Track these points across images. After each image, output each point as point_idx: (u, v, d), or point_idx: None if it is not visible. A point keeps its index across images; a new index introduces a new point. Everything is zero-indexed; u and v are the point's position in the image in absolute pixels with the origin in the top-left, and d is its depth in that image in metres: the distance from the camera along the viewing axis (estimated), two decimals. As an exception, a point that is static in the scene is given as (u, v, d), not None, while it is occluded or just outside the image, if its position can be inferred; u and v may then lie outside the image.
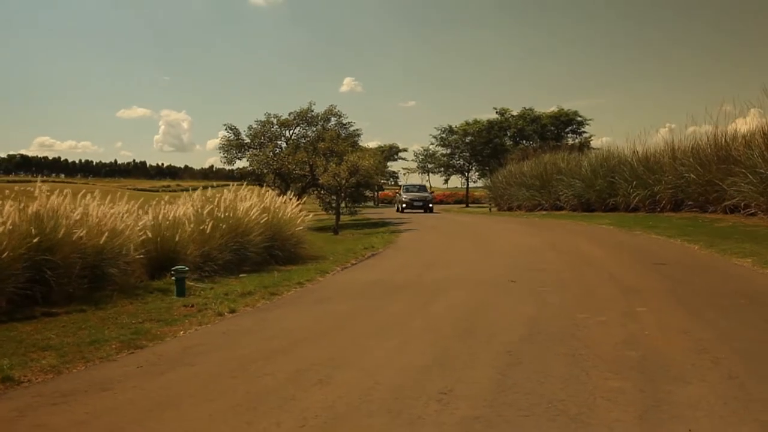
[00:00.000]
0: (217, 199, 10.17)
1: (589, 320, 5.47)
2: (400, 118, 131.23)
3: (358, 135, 26.40)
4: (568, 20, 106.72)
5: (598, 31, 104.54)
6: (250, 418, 3.23)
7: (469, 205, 48.80)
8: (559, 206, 26.78)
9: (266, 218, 10.44)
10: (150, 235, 8.77)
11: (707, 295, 6.58)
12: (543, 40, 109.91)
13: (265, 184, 20.67)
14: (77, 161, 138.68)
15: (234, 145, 23.90)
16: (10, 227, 6.79)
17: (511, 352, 4.54)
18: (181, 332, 5.76)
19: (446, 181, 52.76)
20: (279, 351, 4.92)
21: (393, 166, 63.59)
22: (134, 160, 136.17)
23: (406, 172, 59.39)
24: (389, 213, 33.62)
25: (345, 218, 31.78)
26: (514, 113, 46.76)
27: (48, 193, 7.65)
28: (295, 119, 24.48)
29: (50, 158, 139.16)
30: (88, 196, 8.27)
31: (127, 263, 8.23)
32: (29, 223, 7.18)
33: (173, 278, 7.83)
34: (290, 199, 12.27)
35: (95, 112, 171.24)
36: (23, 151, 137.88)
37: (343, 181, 19.71)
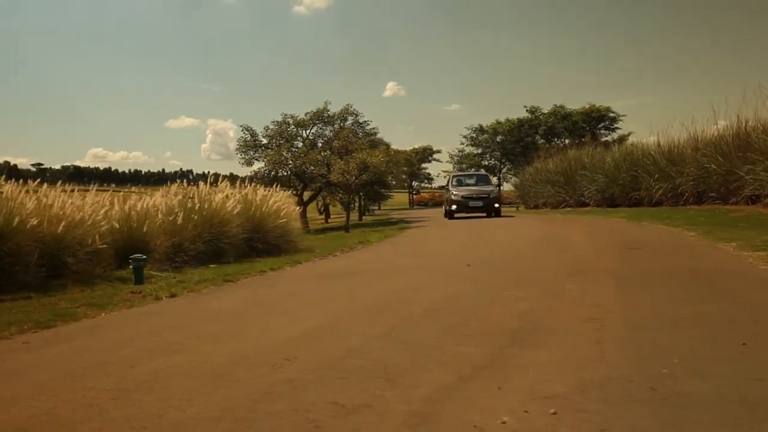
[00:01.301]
0: (191, 191, 10.18)
1: (506, 296, 5.24)
2: (443, 121, 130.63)
3: (375, 133, 26.29)
4: (617, 18, 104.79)
5: (641, 28, 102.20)
6: (90, 400, 3.13)
7: (501, 204, 48.23)
8: (584, 202, 26.22)
9: (240, 209, 10.38)
10: (117, 225, 8.81)
11: (654, 275, 6.25)
12: (589, 38, 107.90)
13: (272, 184, 20.84)
14: (127, 171, 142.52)
15: (251, 146, 24.07)
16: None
17: (396, 326, 4.36)
18: (103, 314, 5.71)
19: (477, 181, 52.27)
20: (172, 328, 4.83)
21: (428, 167, 63.33)
22: (181, 169, 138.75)
23: (445, 175, 58.71)
24: (421, 214, 33.35)
25: (367, 218, 31.79)
26: (545, 111, 46.00)
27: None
28: (311, 119, 24.53)
29: (101, 168, 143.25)
30: (52, 191, 8.37)
31: (90, 253, 8.28)
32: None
33: (131, 266, 7.85)
34: (275, 193, 12.22)
35: (145, 122, 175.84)
36: (77, 162, 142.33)
37: (353, 178, 19.63)
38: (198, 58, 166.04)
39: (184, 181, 10.85)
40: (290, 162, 23.02)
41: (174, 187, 10.42)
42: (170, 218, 9.34)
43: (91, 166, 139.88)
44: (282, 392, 2.89)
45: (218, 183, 11.20)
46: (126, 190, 16.70)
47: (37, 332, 4.99)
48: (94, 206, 8.60)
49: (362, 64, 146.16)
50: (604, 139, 40.51)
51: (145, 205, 9.29)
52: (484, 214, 20.72)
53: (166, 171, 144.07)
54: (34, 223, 7.56)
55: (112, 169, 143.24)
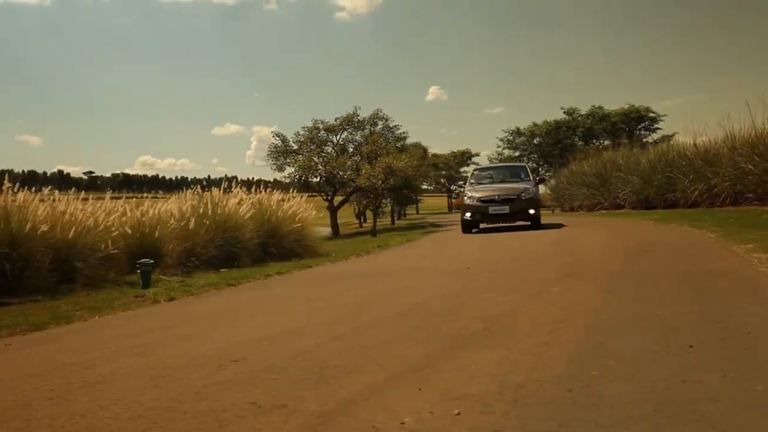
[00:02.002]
0: (205, 197, 10.38)
1: (486, 299, 5.21)
2: (486, 124, 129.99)
3: (405, 138, 26.29)
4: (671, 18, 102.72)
5: (687, 28, 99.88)
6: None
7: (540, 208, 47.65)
8: (619, 204, 25.78)
9: (253, 213, 10.53)
10: (129, 231, 9.05)
11: (649, 277, 6.12)
12: (638, 38, 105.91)
13: (304, 190, 21.14)
14: (174, 178, 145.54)
15: (282, 152, 24.32)
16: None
17: (362, 327, 4.40)
18: (96, 317, 5.88)
19: (515, 184, 51.74)
20: (151, 330, 4.96)
21: (468, 171, 63.02)
22: (226, 175, 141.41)
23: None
24: (455, 218, 33.16)
25: (400, 222, 31.82)
26: (583, 112, 45.31)
27: (10, 189, 8.02)
28: (341, 124, 24.67)
29: (149, 176, 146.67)
30: (65, 197, 8.64)
31: (102, 258, 8.52)
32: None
33: (138, 271, 8.06)
34: (292, 198, 12.34)
35: (192, 130, 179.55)
36: (127, 170, 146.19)
37: (380, 182, 19.66)
38: (243, 67, 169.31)
39: (198, 186, 11.04)
40: (320, 167, 23.19)
41: (188, 193, 10.62)
42: (182, 223, 9.53)
43: (140, 173, 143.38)
44: (211, 392, 2.95)
45: (232, 188, 11.37)
46: (150, 195, 17.06)
47: (27, 334, 5.16)
48: (106, 212, 8.84)
49: (405, 69, 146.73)
50: (645, 140, 39.67)
51: (157, 211, 9.50)
52: (515, 223, 14.81)
53: (212, 177, 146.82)
54: (45, 229, 7.81)
55: (160, 176, 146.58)
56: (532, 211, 14.51)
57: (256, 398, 2.80)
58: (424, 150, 50.26)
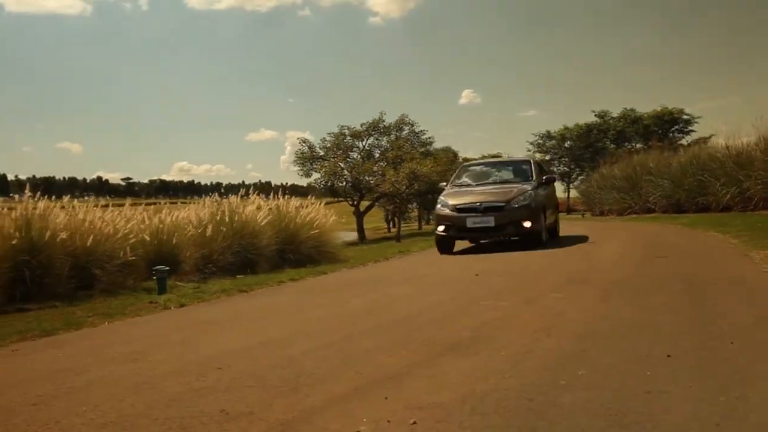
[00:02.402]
0: (222, 204, 10.54)
1: (483, 306, 5.22)
2: (520, 127, 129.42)
3: (431, 143, 26.32)
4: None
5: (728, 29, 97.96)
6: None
7: (570, 212, 47.15)
8: (650, 208, 25.44)
9: (270, 220, 10.66)
10: (147, 238, 9.24)
11: (654, 283, 6.05)
12: (675, 39, 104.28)
13: (330, 195, 21.33)
14: (209, 183, 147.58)
15: (308, 158, 24.54)
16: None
17: (351, 335, 4.45)
18: (106, 323, 6.03)
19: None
20: (151, 336, 5.08)
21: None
22: (260, 181, 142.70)
23: None
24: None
25: (428, 227, 31.78)
26: (614, 115, 44.70)
27: (32, 199, 8.26)
28: (367, 130, 24.80)
29: (185, 182, 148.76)
30: (83, 205, 8.87)
31: (120, 264, 8.71)
32: (15, 227, 7.81)
33: (154, 277, 8.22)
34: (310, 204, 12.45)
35: (227, 136, 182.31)
36: (164, 176, 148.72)
37: (403, 187, 19.68)
38: (277, 73, 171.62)
39: (216, 193, 11.22)
40: (346, 173, 23.35)
41: (206, 200, 10.80)
42: (199, 230, 9.69)
43: (176, 179, 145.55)
44: (184, 400, 3.02)
45: (249, 195, 11.52)
46: (180, 201, 17.31)
47: (36, 340, 5.32)
48: (125, 220, 9.04)
49: (438, 73, 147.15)
50: (679, 142, 38.97)
51: (175, 218, 9.68)
52: (506, 238, 11.35)
53: (246, 182, 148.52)
54: (65, 236, 8.02)
55: (195, 182, 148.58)
56: (527, 224, 10.56)
57: (227, 406, 2.87)
58: (455, 154, 50.23)
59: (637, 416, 2.43)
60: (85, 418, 2.83)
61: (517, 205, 10.62)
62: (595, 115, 45.51)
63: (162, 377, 3.51)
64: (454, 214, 10.89)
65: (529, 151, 49.12)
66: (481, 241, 12.08)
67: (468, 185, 12.15)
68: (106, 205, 9.58)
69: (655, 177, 24.97)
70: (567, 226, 19.13)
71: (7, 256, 7.65)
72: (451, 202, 11.14)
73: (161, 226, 9.41)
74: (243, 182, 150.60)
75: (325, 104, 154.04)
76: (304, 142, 24.89)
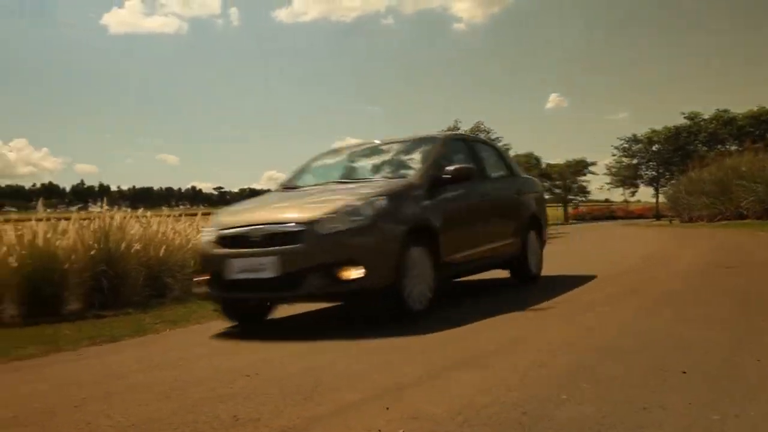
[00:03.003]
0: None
1: (520, 317, 5.21)
2: (610, 131, 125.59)
3: (507, 150, 26.02)
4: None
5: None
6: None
7: (660, 218, 45.38)
8: (742, 214, 24.27)
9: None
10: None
11: (710, 295, 5.86)
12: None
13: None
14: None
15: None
16: (71, 242, 8.02)
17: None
18: (167, 330, 6.40)
19: (633, 193, 49.46)
20: (198, 344, 5.36)
21: (591, 180, 61.07)
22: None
23: (608, 186, 55.09)
24: (567, 229, 32.37)
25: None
26: (706, 116, 42.75)
27: (109, 211, 8.83)
28: (442, 138, 24.89)
29: (273, 190, 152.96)
30: (156, 218, 9.40)
31: (190, 273, 9.16)
32: (95, 238, 8.38)
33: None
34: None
35: (314, 145, 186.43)
36: (254, 185, 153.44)
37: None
38: (361, 82, 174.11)
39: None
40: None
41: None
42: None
43: (266, 187, 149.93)
44: (205, 405, 3.23)
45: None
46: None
47: (102, 345, 5.71)
48: (196, 231, 9.50)
49: (522, 78, 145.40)
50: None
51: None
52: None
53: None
54: (138, 247, 8.54)
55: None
56: (352, 273, 4.87)
57: (240, 412, 3.05)
58: (537, 160, 49.49)
59: (625, 431, 2.44)
60: (113, 421, 3.08)
61: (331, 230, 4.87)
62: (685, 117, 43.71)
63: (194, 384, 3.75)
64: (215, 249, 5.47)
65: (613, 156, 47.51)
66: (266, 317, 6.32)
67: (299, 188, 6.48)
68: (180, 215, 10.08)
69: (747, 181, 23.82)
70: (640, 234, 18.51)
71: (87, 266, 8.20)
72: (224, 220, 5.65)
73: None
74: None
75: (408, 112, 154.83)
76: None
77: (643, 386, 3.02)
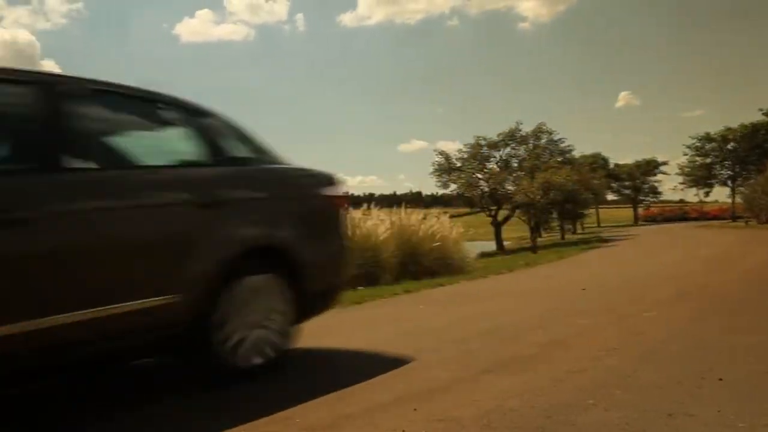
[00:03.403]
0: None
1: (567, 322, 5.19)
2: (685, 129, 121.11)
3: (569, 151, 25.63)
4: None
5: None
6: None
7: (736, 219, 43.54)
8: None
9: (390, 234, 11.02)
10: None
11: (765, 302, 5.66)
12: None
13: (467, 206, 21.56)
14: (362, 194, 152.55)
15: (445, 170, 24.81)
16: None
17: (423, 349, 4.62)
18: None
19: (707, 194, 47.62)
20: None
21: (662, 180, 59.27)
22: (411, 190, 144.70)
23: (681, 186, 53.02)
24: (636, 231, 31.58)
25: (572, 236, 30.93)
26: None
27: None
28: (503, 140, 24.68)
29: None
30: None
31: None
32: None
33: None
34: (433, 216, 12.69)
35: (380, 148, 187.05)
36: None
37: (538, 197, 19.38)
38: (426, 84, 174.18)
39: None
40: (482, 183, 23.41)
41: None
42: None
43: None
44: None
45: (369, 209, 11.98)
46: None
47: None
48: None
49: (591, 76, 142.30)
50: None
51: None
52: None
53: (398, 193, 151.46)
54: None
55: (349, 193, 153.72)
56: None
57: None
58: (604, 160, 48.43)
59: (645, 439, 2.43)
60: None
61: None
62: (763, 114, 41.78)
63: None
64: None
65: (685, 155, 45.84)
66: None
67: None
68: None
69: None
70: (708, 236, 17.86)
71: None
72: None
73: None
74: (394, 193, 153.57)
75: (473, 113, 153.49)
76: (441, 153, 25.15)
77: (677, 393, 2.98)
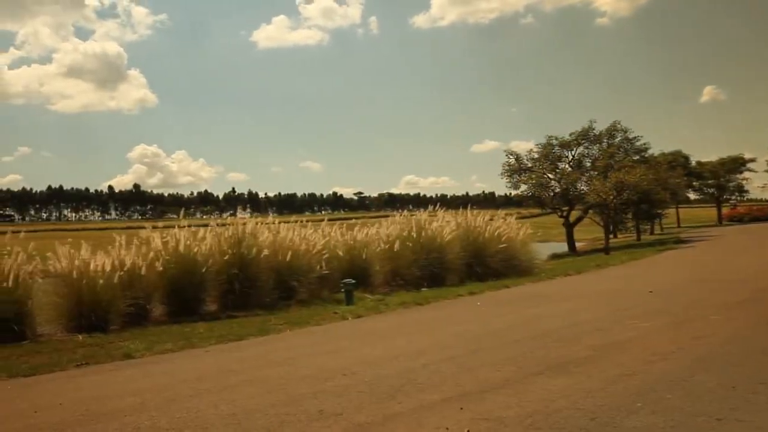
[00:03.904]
0: (410, 221, 11.14)
1: (628, 325, 5.11)
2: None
3: (646, 149, 24.76)
4: None
5: None
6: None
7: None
8: None
9: (455, 235, 11.01)
10: (341, 253, 10.11)
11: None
12: None
13: (538, 206, 21.20)
14: (434, 195, 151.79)
15: (515, 170, 24.44)
16: (208, 248, 8.75)
17: (480, 349, 4.64)
18: (288, 330, 6.83)
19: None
20: (314, 344, 5.70)
21: (750, 178, 56.42)
22: (483, 191, 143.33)
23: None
24: (718, 232, 30.31)
25: (649, 237, 29.94)
26: None
27: (243, 221, 9.50)
28: (576, 139, 24.11)
29: (412, 194, 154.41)
30: (284, 225, 9.99)
31: (315, 278, 9.66)
32: (229, 244, 9.08)
33: (342, 290, 9.02)
34: (499, 218, 12.58)
35: (452, 149, 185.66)
36: (392, 190, 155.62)
37: (611, 197, 18.84)
38: (500, 83, 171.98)
39: (405, 210, 11.85)
40: (553, 183, 22.99)
41: (396, 217, 11.49)
42: (387, 246, 10.37)
43: (404, 192, 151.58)
44: (299, 400, 3.52)
45: (436, 211, 11.98)
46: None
47: (227, 343, 6.22)
48: (323, 237, 10.01)
49: (673, 71, 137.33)
50: None
51: (365, 235, 10.47)
52: None
53: (470, 194, 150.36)
54: (267, 252, 9.13)
55: (421, 195, 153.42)
56: None
57: (327, 407, 3.29)
58: (685, 158, 46.57)
59: (688, 442, 2.42)
60: (218, 410, 3.43)
61: None
62: None
63: (296, 381, 4.05)
64: None
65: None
66: None
67: None
68: (307, 221, 10.63)
69: None
70: None
71: (221, 270, 8.90)
72: None
73: (352, 242, 10.23)
74: (467, 194, 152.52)
75: (548, 112, 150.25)
76: (511, 154, 24.81)
77: (729, 398, 2.93)
